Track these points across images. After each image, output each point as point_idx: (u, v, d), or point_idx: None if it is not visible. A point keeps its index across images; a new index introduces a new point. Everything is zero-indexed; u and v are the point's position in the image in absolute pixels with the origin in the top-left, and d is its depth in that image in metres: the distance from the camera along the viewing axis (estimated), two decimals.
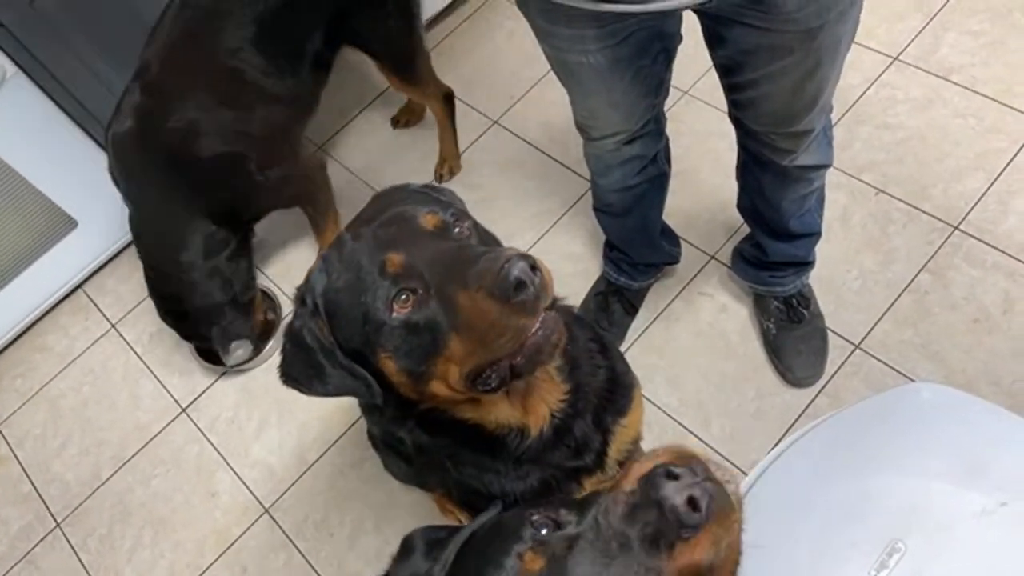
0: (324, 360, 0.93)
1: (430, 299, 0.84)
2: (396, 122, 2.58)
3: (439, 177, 2.39)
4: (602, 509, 0.71)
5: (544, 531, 0.76)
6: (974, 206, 1.98)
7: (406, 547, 0.92)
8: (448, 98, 2.30)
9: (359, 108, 2.67)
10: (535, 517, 0.77)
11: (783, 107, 1.31)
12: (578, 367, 1.07)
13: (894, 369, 1.81)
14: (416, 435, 1.02)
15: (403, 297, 0.85)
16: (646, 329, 2.01)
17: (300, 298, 0.95)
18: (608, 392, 1.13)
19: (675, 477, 0.66)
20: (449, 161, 2.39)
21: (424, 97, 2.30)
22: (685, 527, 0.64)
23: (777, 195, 1.60)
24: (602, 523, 0.70)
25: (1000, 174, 2.01)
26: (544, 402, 1.02)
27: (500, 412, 0.99)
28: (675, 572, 0.65)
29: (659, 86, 1.41)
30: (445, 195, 1.05)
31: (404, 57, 2.12)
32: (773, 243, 1.73)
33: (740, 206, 1.77)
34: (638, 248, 1.89)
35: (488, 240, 0.95)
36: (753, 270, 1.85)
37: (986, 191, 1.99)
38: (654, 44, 1.27)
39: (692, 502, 0.64)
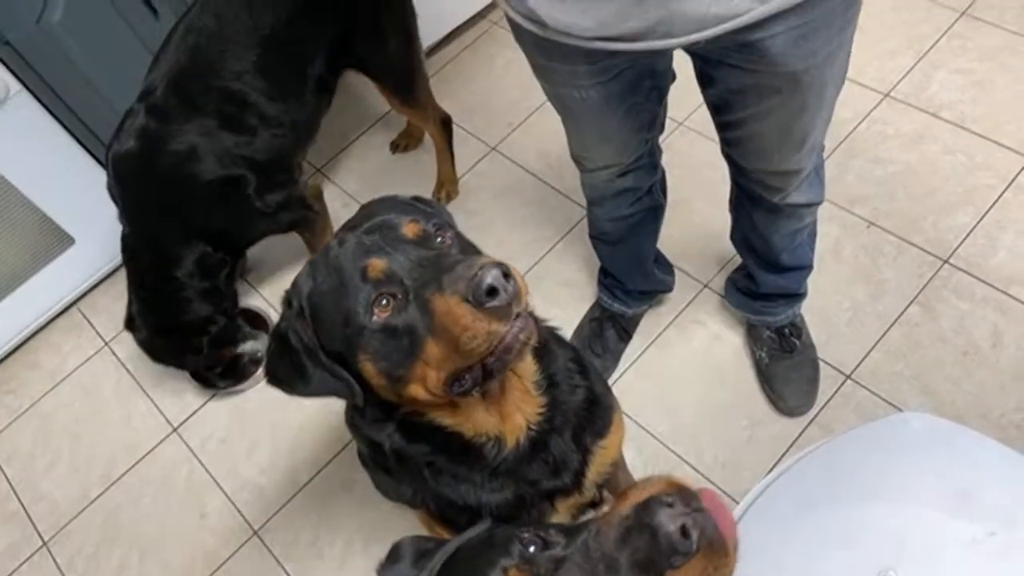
0: (307, 361, 0.95)
1: (409, 304, 0.86)
2: (395, 146, 2.60)
3: (436, 201, 2.41)
4: (593, 533, 0.72)
5: (532, 549, 0.77)
6: (964, 240, 2.01)
7: (394, 554, 0.93)
8: (446, 123, 2.33)
9: (359, 132, 2.70)
10: (524, 535, 0.78)
11: (772, 146, 1.34)
12: (556, 384, 1.09)
13: (885, 400, 1.83)
14: (395, 440, 1.03)
15: (383, 302, 0.87)
16: (640, 356, 2.02)
17: (287, 300, 0.98)
18: (587, 412, 1.15)
19: (670, 506, 0.66)
20: (447, 186, 2.41)
21: (423, 120, 2.33)
22: (676, 554, 0.65)
23: (769, 230, 1.62)
24: (592, 546, 0.71)
25: (989, 209, 2.04)
26: (520, 412, 1.04)
27: (477, 419, 1.00)
28: None
29: (652, 121, 1.44)
30: (432, 207, 1.08)
31: (405, 79, 2.16)
32: (765, 275, 1.75)
33: (733, 238, 1.79)
34: (632, 276, 1.91)
35: (470, 251, 0.98)
36: (746, 300, 1.87)
37: (975, 226, 2.03)
38: (645, 81, 1.29)
39: (684, 530, 0.65)
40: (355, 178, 2.58)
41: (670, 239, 1.96)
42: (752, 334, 1.93)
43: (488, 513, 1.09)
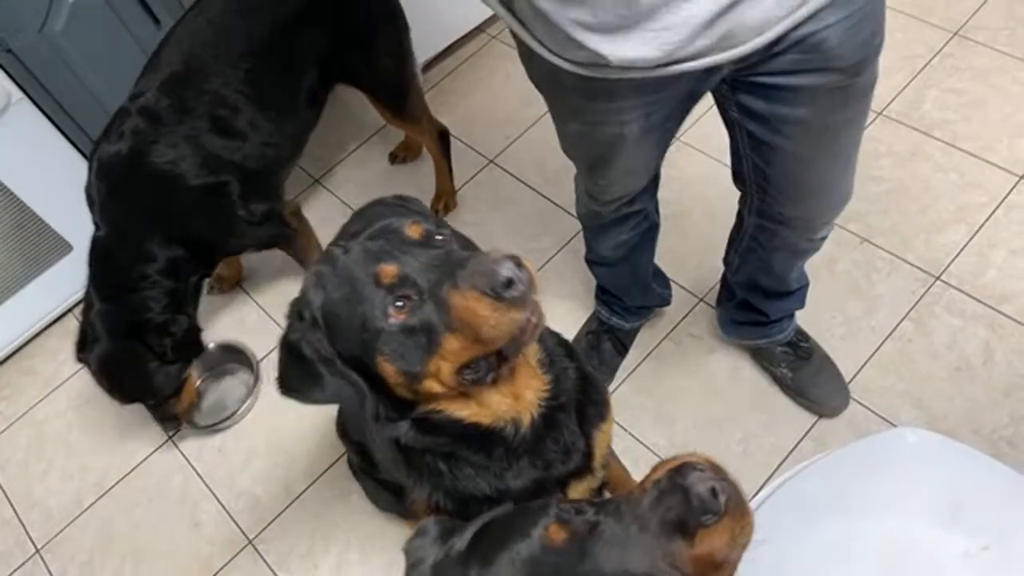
0: (323, 369, 0.96)
1: (424, 304, 0.89)
2: (394, 157, 2.62)
3: (435, 212, 2.43)
4: (625, 500, 0.77)
5: (567, 515, 0.81)
6: (955, 257, 2.04)
7: (420, 531, 0.95)
8: (443, 136, 2.35)
9: (357, 143, 2.71)
10: (561, 504, 0.82)
11: (825, 171, 1.30)
12: (553, 363, 1.13)
13: (878, 415, 1.85)
14: (410, 437, 1.04)
15: (399, 304, 0.89)
16: (635, 369, 2.04)
17: (296, 312, 0.99)
18: (582, 393, 1.18)
19: (701, 471, 0.72)
20: (445, 197, 2.43)
21: (419, 133, 2.35)
22: (707, 513, 0.70)
23: (785, 268, 1.63)
24: (625, 510, 0.75)
25: (980, 227, 2.07)
26: (531, 389, 1.07)
27: (492, 405, 1.03)
28: (690, 559, 0.71)
29: (669, 143, 1.41)
30: (414, 204, 1.11)
31: (397, 93, 2.17)
32: (773, 304, 1.76)
33: (734, 280, 1.77)
34: (631, 293, 1.92)
35: (468, 245, 1.00)
36: (753, 329, 1.86)
37: (967, 243, 2.05)
38: (681, 106, 1.26)
39: (714, 492, 0.70)
40: (353, 188, 2.59)
41: (666, 253, 1.98)
42: (763, 355, 1.93)
43: (510, 501, 1.11)
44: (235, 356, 2.28)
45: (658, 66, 1.02)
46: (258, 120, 1.90)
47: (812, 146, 1.24)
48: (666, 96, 1.18)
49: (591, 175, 1.46)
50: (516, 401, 1.05)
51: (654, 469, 0.77)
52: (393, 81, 2.14)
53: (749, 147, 1.31)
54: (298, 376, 0.99)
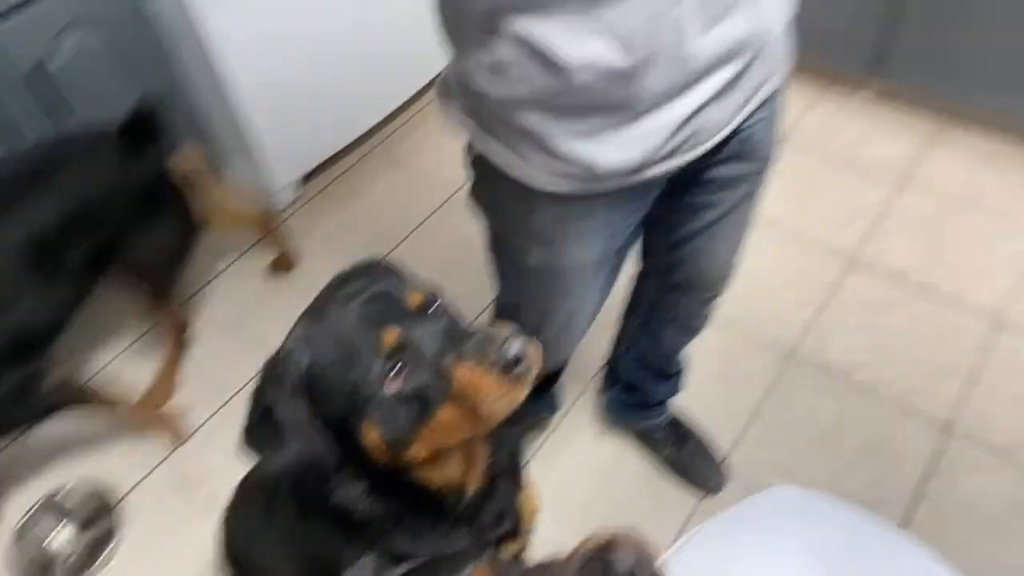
0: (289, 435, 0.93)
1: (421, 373, 0.88)
2: (272, 270, 2.61)
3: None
4: (553, 563, 0.81)
5: (499, 565, 0.84)
6: (804, 336, 2.26)
7: (359, 565, 0.95)
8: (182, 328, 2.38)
9: (229, 261, 2.68)
10: (494, 556, 0.87)
11: (730, 243, 1.43)
12: (491, 434, 1.13)
13: (754, 487, 1.95)
14: (367, 505, 1.01)
15: (395, 372, 0.88)
16: (524, 465, 2.07)
17: (276, 375, 0.94)
18: (510, 462, 1.21)
19: (626, 551, 0.76)
20: (157, 397, 2.28)
21: (169, 316, 2.34)
22: None
23: (674, 344, 1.74)
24: (548, 567, 0.80)
25: (825, 305, 2.32)
26: (480, 459, 1.08)
27: (449, 469, 1.03)
28: None
29: (616, 277, 1.44)
30: (405, 272, 1.10)
31: (161, 289, 2.20)
32: (658, 386, 1.87)
33: (626, 358, 1.85)
34: (525, 407, 1.97)
35: (460, 319, 1.01)
36: (637, 412, 1.97)
37: (813, 320, 2.29)
38: (634, 225, 1.29)
39: (632, 573, 0.74)
40: (230, 301, 2.55)
41: None
42: (647, 440, 2.03)
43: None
44: (93, 497, 2.09)
45: (636, 171, 1.08)
46: (24, 290, 1.81)
47: (727, 225, 1.37)
48: (628, 210, 1.22)
49: (544, 327, 1.40)
50: (469, 469, 1.06)
51: (585, 540, 0.81)
52: (162, 278, 2.17)
53: (666, 232, 1.40)
54: (261, 435, 0.96)
